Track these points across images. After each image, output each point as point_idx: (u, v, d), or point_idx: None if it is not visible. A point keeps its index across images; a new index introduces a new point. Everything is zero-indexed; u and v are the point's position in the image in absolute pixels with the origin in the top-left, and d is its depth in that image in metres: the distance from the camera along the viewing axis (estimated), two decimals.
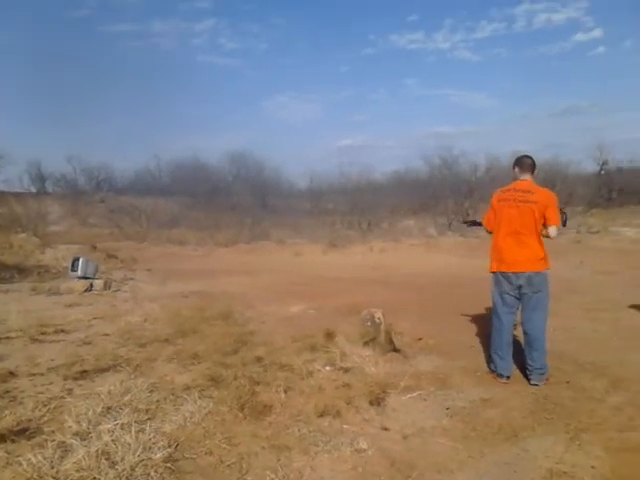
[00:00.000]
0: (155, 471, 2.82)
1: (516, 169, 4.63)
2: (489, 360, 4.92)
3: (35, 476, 2.69)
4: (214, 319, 6.47)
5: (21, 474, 2.71)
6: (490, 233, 4.77)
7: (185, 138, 63.23)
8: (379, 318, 5.29)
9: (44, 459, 2.84)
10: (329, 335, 5.47)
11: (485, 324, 6.78)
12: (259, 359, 4.86)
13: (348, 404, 3.90)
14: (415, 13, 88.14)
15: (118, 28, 75.35)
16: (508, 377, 4.65)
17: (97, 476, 2.71)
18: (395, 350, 5.37)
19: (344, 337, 5.36)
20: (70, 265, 9.75)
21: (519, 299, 4.63)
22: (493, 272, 4.68)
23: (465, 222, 5.61)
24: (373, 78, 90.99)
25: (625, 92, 74.61)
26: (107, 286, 9.25)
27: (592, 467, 3.19)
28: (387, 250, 15.05)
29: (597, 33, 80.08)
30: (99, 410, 3.54)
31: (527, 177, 4.58)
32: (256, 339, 5.69)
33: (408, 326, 6.44)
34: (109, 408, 3.61)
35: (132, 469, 2.79)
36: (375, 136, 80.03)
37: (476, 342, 6.02)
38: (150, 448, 3.04)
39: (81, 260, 9.55)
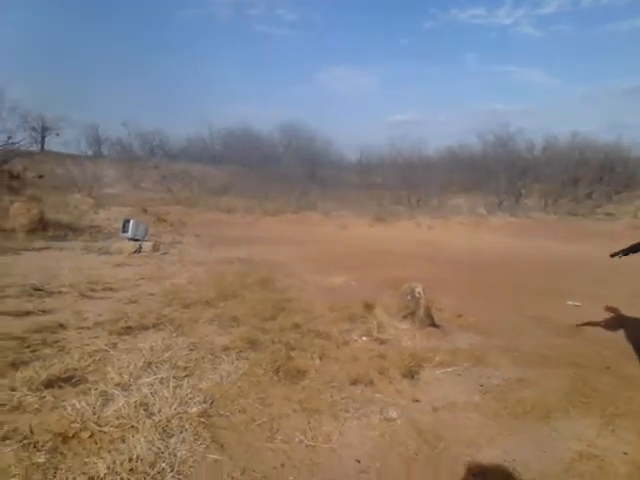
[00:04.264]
0: (190, 424, 2.94)
1: None
2: None
3: (78, 420, 2.84)
4: (255, 285, 6.58)
5: (66, 417, 2.87)
6: None
7: (238, 107, 63.44)
8: (419, 293, 5.28)
9: (87, 405, 3.00)
10: (368, 306, 5.51)
11: (529, 306, 6.72)
12: (296, 326, 4.93)
13: (381, 374, 3.94)
14: None
15: None
16: None
17: (135, 424, 2.84)
18: (434, 325, 5.36)
19: (383, 309, 5.38)
20: (121, 226, 10.04)
21: None
22: None
23: (615, 254, 4.62)
24: (431, 52, 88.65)
25: None
26: (156, 248, 9.48)
27: (624, 453, 3.15)
28: (435, 227, 14.90)
29: None
30: (140, 364, 3.69)
31: None
32: (295, 306, 5.76)
33: (449, 303, 6.43)
34: (150, 363, 3.75)
35: (168, 420, 2.92)
36: (429, 111, 78.36)
37: (518, 323, 5.96)
38: (186, 403, 3.17)
39: (132, 222, 9.81)
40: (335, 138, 47.23)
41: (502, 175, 20.73)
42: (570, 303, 6.99)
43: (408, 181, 20.79)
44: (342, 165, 29.91)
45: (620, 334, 5.58)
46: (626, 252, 4.30)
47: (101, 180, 21.57)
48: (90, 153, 35.51)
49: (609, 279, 8.75)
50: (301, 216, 16.45)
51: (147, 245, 9.48)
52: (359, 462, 2.85)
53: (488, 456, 3.01)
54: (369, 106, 76.42)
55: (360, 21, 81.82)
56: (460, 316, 6.01)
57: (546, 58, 79.39)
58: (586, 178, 21.23)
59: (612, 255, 4.48)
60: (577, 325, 5.84)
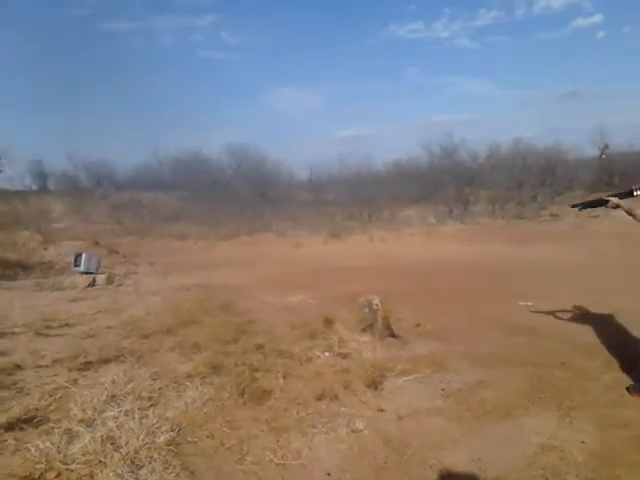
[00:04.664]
0: (158, 454, 2.94)
1: None
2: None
3: (43, 460, 2.80)
4: (215, 310, 6.58)
5: (29, 459, 2.83)
6: None
7: (185, 133, 63.07)
8: (377, 304, 5.38)
9: (51, 444, 2.96)
10: (328, 322, 5.57)
11: (484, 309, 6.89)
12: (259, 347, 4.96)
13: (346, 388, 4.00)
14: (414, 3, 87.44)
15: (118, 25, 74.99)
16: None
17: (103, 459, 2.82)
18: (393, 335, 5.45)
19: (343, 324, 5.46)
20: (73, 261, 9.86)
21: None
22: None
23: (576, 205, 5.01)
24: (373, 68, 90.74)
25: (624, 77, 74.59)
26: (110, 280, 9.34)
27: (582, 442, 3.30)
28: (388, 239, 15.10)
29: (597, 18, 79.88)
30: (103, 398, 3.66)
31: None
32: (256, 328, 5.78)
33: (407, 313, 6.55)
34: (113, 396, 3.72)
35: (136, 452, 2.91)
36: (375, 126, 79.85)
37: (474, 326, 6.11)
38: (153, 432, 3.16)
39: (84, 255, 9.66)
40: (284, 158, 47.50)
41: (450, 185, 21.24)
42: (522, 304, 7.19)
43: (359, 196, 21.05)
44: (293, 184, 30.04)
45: (570, 330, 5.78)
46: (586, 206, 4.59)
47: (49, 215, 21.09)
48: (35, 188, 34.77)
49: (558, 279, 9.05)
50: (255, 238, 16.45)
51: (101, 278, 9.33)
52: (329, 475, 2.90)
53: (454, 458, 3.11)
54: (316, 124, 77.43)
55: (302, 42, 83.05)
56: (418, 325, 6.13)
57: (484, 68, 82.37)
58: (529, 182, 21.95)
59: (573, 205, 4.78)
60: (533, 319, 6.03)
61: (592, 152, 31.62)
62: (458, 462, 3.06)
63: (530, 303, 7.16)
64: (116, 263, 11.89)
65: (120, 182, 35.26)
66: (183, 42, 77.06)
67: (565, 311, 6.42)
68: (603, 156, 31.37)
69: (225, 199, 21.47)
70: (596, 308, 6.58)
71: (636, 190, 4.16)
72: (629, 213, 4.03)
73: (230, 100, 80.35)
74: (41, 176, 36.12)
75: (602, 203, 4.24)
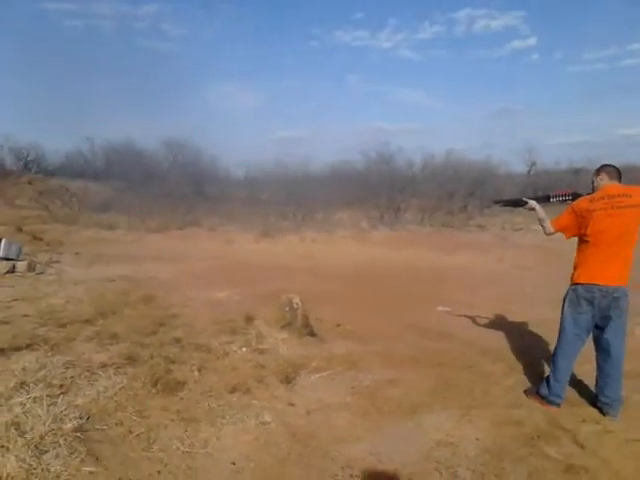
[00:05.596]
0: (64, 440, 2.95)
1: (602, 175, 4.01)
2: (541, 383, 4.35)
3: None
4: (137, 302, 6.52)
5: None
6: (549, 235, 4.33)
7: (121, 122, 61.22)
8: (297, 303, 5.50)
9: None
10: (249, 319, 5.66)
11: (405, 313, 7.13)
12: (177, 340, 4.99)
13: (259, 382, 4.11)
14: (361, 11, 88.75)
15: (56, 5, 72.25)
16: (559, 405, 4.15)
17: (6, 444, 2.81)
18: (312, 334, 5.59)
19: (263, 321, 5.55)
20: None
21: (595, 322, 4.04)
22: (574, 285, 4.08)
23: (497, 202, 5.24)
24: (316, 72, 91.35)
25: (554, 99, 78.42)
26: (31, 268, 9.06)
27: (477, 439, 3.53)
28: (318, 241, 15.27)
29: (532, 41, 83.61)
30: (12, 385, 3.61)
31: (615, 183, 3.98)
32: (177, 322, 5.79)
33: (329, 313, 6.71)
34: (22, 383, 3.68)
35: (41, 438, 2.91)
36: (315, 129, 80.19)
37: (393, 329, 6.32)
38: (61, 419, 3.16)
39: (3, 241, 9.32)
40: (222, 154, 47.06)
41: (383, 191, 21.62)
42: (441, 309, 7.49)
43: (293, 197, 21.14)
44: (229, 181, 29.82)
45: (482, 336, 6.09)
46: (506, 203, 4.87)
47: None
48: None
49: (477, 286, 9.44)
50: (187, 232, 16.27)
51: (21, 265, 9.03)
52: (234, 464, 3.00)
53: (355, 451, 3.26)
54: (256, 123, 77.08)
55: (247, 38, 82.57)
56: (339, 325, 6.29)
57: (425, 80, 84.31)
58: (460, 193, 22.62)
59: (495, 202, 5.08)
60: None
61: (520, 168, 33.09)
62: (359, 455, 3.22)
63: (448, 309, 7.46)
64: (39, 251, 11.51)
65: (49, 168, 34.03)
66: (124, 29, 75.10)
67: (479, 317, 6.75)
68: (530, 172, 32.85)
69: (158, 192, 21.10)
70: (508, 316, 6.96)
71: (553, 197, 4.47)
72: (539, 220, 4.33)
73: (170, 93, 78.91)
74: None
75: (521, 203, 4.52)
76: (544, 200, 4.49)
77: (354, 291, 8.74)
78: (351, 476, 2.98)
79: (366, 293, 8.63)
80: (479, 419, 3.84)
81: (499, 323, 6.64)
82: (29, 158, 34.26)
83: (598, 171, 4.04)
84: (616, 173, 3.99)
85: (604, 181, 3.96)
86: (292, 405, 3.83)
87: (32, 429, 2.98)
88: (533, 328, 6.39)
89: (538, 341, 5.86)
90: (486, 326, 6.51)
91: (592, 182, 4.11)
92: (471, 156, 31.98)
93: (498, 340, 5.93)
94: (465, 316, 6.86)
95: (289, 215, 19.95)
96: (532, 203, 4.40)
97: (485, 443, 3.48)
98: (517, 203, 4.62)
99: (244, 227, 16.68)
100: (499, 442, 3.50)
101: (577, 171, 28.28)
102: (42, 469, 2.66)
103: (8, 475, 2.56)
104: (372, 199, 21.33)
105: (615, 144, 58.25)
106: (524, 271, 11.37)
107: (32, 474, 2.61)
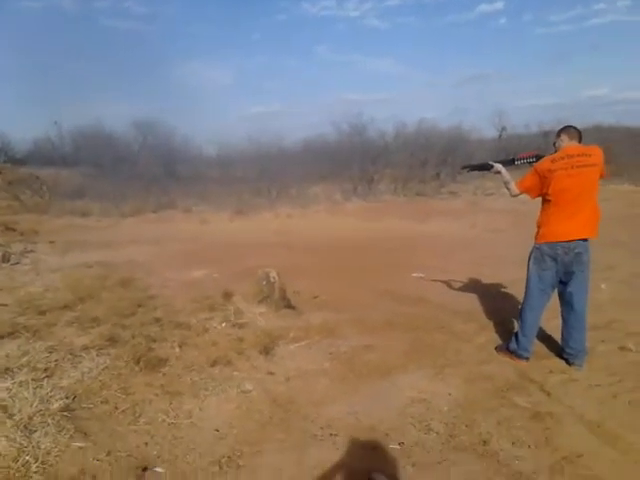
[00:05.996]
0: (52, 419, 3.06)
1: (562, 137, 4.14)
2: (510, 339, 4.56)
3: None
4: (115, 286, 6.57)
5: None
6: (515, 196, 4.54)
7: (89, 106, 59.96)
8: (274, 277, 5.61)
9: None
10: (227, 295, 5.77)
11: (380, 281, 7.29)
12: (157, 320, 5.08)
13: (239, 354, 4.25)
14: None
15: None
16: (527, 359, 4.38)
17: None
18: (290, 307, 5.72)
19: (241, 296, 5.67)
20: None
21: (559, 277, 4.23)
22: (538, 244, 4.25)
23: (465, 167, 5.34)
24: (285, 45, 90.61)
25: (523, 61, 78.76)
26: (5, 259, 9.02)
27: (449, 394, 3.72)
28: (293, 216, 15.33)
29: (499, 5, 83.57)
30: None
31: (575, 143, 4.11)
32: (156, 302, 5.86)
33: (307, 285, 6.84)
34: (7, 369, 3.76)
35: (30, 418, 3.02)
36: (286, 103, 79.80)
37: (369, 297, 6.49)
38: (48, 400, 3.27)
39: None
40: (194, 134, 46.63)
41: (356, 163, 21.67)
42: (415, 275, 7.66)
43: (267, 173, 21.10)
44: (202, 161, 29.61)
45: (455, 298, 6.28)
46: (473, 168, 5.01)
47: None
48: None
49: (451, 252, 9.63)
50: (161, 215, 16.21)
51: None
52: (218, 431, 3.14)
53: (334, 412, 3.43)
54: (226, 100, 76.37)
55: (212, 15, 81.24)
56: (316, 297, 6.43)
57: (394, 48, 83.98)
58: (432, 161, 22.79)
59: (462, 167, 5.22)
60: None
61: (492, 133, 33.39)
62: (337, 415, 3.39)
63: (422, 275, 7.64)
64: (13, 241, 11.41)
65: (17, 157, 33.43)
66: (86, 9, 73.24)
67: (453, 281, 6.94)
68: (501, 137, 33.16)
69: (130, 175, 20.89)
70: (481, 278, 7.16)
71: (517, 160, 4.61)
72: (505, 182, 4.48)
73: (137, 73, 77.42)
74: None
75: (487, 167, 4.65)
76: (509, 163, 4.64)
77: (330, 263, 8.86)
78: (330, 435, 3.14)
79: (342, 264, 8.75)
80: (451, 376, 4.03)
81: (472, 286, 6.83)
82: None
83: (559, 133, 4.18)
84: (576, 134, 4.12)
85: (565, 142, 4.10)
86: (272, 374, 3.97)
87: (20, 411, 3.08)
88: (504, 288, 6.60)
89: (509, 300, 6.07)
90: (459, 289, 6.70)
91: (554, 143, 4.27)
92: (443, 124, 32.19)
93: (470, 302, 6.13)
94: (439, 281, 7.03)
95: (263, 192, 19.93)
96: (497, 166, 4.53)
97: (457, 398, 3.67)
98: (484, 167, 4.76)
99: (219, 206, 16.66)
100: (471, 396, 3.69)
101: (546, 133, 28.55)
102: (32, 447, 2.77)
103: None
104: (346, 171, 21.37)
105: (582, 105, 58.98)
106: (496, 234, 11.60)
107: (23, 452, 2.72)
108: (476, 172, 5.18)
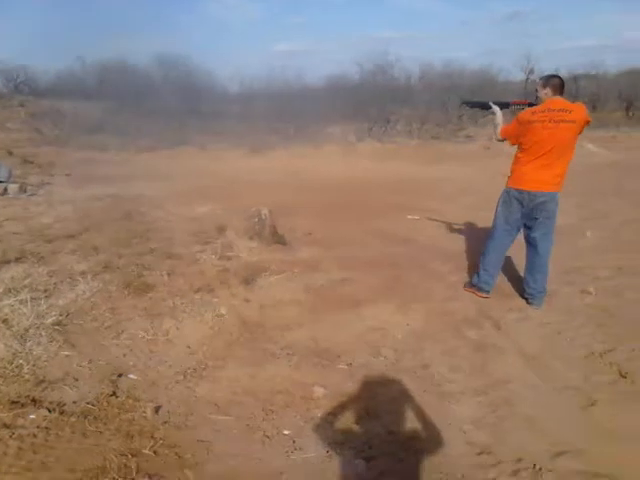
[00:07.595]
0: (45, 331, 3.49)
1: (547, 89, 4.18)
2: (473, 274, 4.92)
3: None
4: (120, 218, 6.93)
5: None
6: (501, 141, 4.70)
7: (113, 39, 59.34)
8: (265, 215, 5.93)
9: None
10: (220, 229, 6.12)
11: (376, 221, 7.56)
12: (152, 250, 5.45)
13: (222, 283, 4.62)
14: None
15: None
16: (488, 292, 4.70)
17: None
18: (282, 242, 6.06)
19: (234, 232, 6.01)
20: None
21: (524, 222, 4.50)
22: (507, 188, 4.51)
23: (465, 102, 5.52)
24: None
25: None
26: (22, 190, 9.43)
27: (407, 325, 4.08)
28: (307, 156, 15.43)
29: None
30: (1, 291, 4.10)
31: (558, 97, 4.17)
32: (157, 235, 6.20)
33: (303, 223, 7.16)
34: (10, 289, 4.16)
35: (26, 330, 3.45)
36: (313, 41, 78.11)
37: (360, 236, 6.82)
38: (43, 316, 3.69)
39: None
40: (219, 69, 46.20)
41: (375, 103, 21.51)
42: (410, 217, 7.92)
43: (287, 111, 21.09)
44: (223, 97, 29.54)
45: (442, 241, 6.57)
46: (474, 105, 5.25)
47: None
48: None
49: (454, 196, 9.82)
50: (177, 151, 16.40)
51: (13, 187, 9.40)
52: (189, 347, 3.56)
53: (296, 336, 3.83)
54: (254, 36, 74.93)
55: None
56: (310, 234, 6.74)
57: None
58: (454, 103, 22.51)
59: (463, 102, 5.45)
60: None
61: (521, 76, 32.68)
62: (299, 339, 3.79)
63: (417, 217, 7.89)
64: (30, 173, 11.84)
65: (40, 89, 33.58)
66: None
67: (446, 223, 7.20)
68: (528, 80, 32.44)
69: (150, 110, 21.05)
70: (475, 222, 7.36)
71: (511, 105, 4.81)
72: (495, 125, 4.67)
73: (162, 7, 76.05)
74: None
75: (487, 107, 4.86)
76: (504, 106, 4.82)
77: (331, 203, 9.10)
78: (288, 354, 3.55)
79: (343, 205, 8.98)
80: (415, 311, 4.37)
81: (462, 229, 7.07)
82: (19, 80, 33.85)
83: (544, 84, 4.22)
84: (560, 86, 4.19)
85: (548, 95, 4.18)
86: (247, 301, 4.36)
87: (18, 324, 3.51)
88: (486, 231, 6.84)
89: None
90: (449, 231, 6.96)
91: (536, 91, 4.40)
92: (473, 65, 31.53)
93: (455, 243, 6.41)
94: (434, 221, 7.30)
95: (281, 130, 20.01)
96: (495, 108, 4.71)
97: (414, 329, 4.03)
98: (484, 106, 4.96)
99: (235, 144, 16.82)
100: (427, 328, 4.06)
101: (576, 78, 27.87)
102: (26, 353, 3.21)
103: None
104: (364, 112, 21.28)
105: (623, 47, 56.72)
106: (502, 177, 11.66)
107: (17, 356, 3.15)
108: (474, 109, 5.33)
